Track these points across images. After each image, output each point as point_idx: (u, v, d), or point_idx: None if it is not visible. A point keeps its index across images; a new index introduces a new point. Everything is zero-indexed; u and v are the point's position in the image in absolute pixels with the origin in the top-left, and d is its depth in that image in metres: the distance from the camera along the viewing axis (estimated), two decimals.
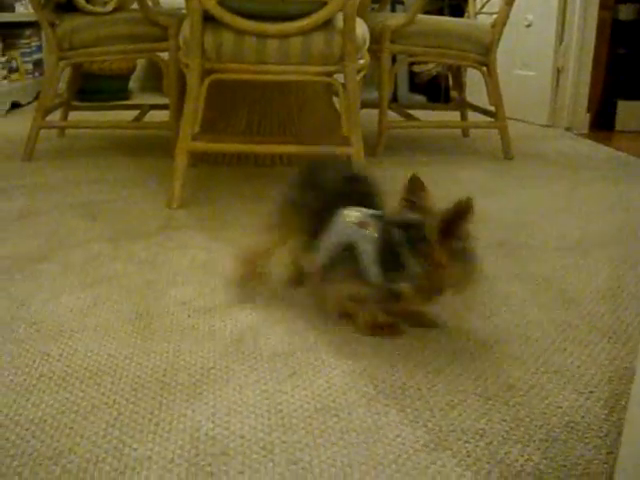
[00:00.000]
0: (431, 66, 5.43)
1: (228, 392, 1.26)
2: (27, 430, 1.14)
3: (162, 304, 1.64)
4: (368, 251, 1.43)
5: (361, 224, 1.46)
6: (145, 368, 1.34)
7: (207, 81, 2.45)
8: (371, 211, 1.49)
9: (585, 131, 4.53)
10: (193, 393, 1.26)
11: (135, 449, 1.10)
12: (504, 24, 3.38)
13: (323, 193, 1.58)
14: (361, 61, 2.54)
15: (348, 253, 1.46)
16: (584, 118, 4.58)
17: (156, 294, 1.69)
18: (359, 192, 1.57)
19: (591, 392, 1.29)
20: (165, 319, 1.56)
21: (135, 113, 3.60)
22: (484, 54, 3.39)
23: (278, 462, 1.07)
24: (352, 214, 1.49)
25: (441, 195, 2.23)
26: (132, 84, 5.48)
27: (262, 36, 2.37)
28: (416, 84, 5.64)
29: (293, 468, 1.05)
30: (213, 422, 1.17)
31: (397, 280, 1.39)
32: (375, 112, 3.42)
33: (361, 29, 2.51)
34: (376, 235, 1.43)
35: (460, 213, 1.33)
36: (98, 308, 1.61)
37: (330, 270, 1.51)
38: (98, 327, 1.51)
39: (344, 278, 1.49)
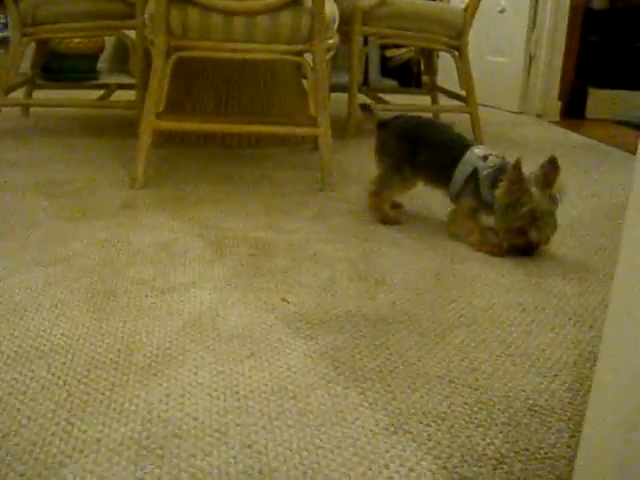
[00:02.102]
0: (403, 51, 5.40)
1: (183, 373, 1.22)
2: None
3: (120, 283, 1.59)
4: (485, 175, 1.93)
5: (484, 157, 1.96)
6: (99, 348, 1.30)
7: (172, 59, 2.40)
8: (490, 150, 2.01)
9: (556, 118, 4.52)
10: (147, 374, 1.22)
11: (84, 431, 1.05)
12: (476, 7, 3.35)
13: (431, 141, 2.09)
14: (330, 41, 2.50)
15: (472, 176, 1.96)
16: (555, 105, 4.58)
17: (114, 273, 1.65)
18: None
19: (555, 375, 1.27)
20: (122, 299, 1.51)
21: (102, 92, 3.53)
22: (456, 38, 3.37)
23: (232, 445, 1.03)
24: (477, 150, 2.00)
25: None
26: (101, 64, 5.40)
27: (228, 13, 2.32)
28: (388, 69, 5.61)
29: (247, 451, 1.02)
30: (166, 404, 1.13)
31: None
32: (346, 96, 3.38)
33: (330, 8, 2.46)
34: (491, 165, 1.93)
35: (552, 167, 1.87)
36: (54, 287, 1.56)
37: (461, 193, 2.00)
38: (52, 306, 1.47)
39: (470, 196, 1.97)
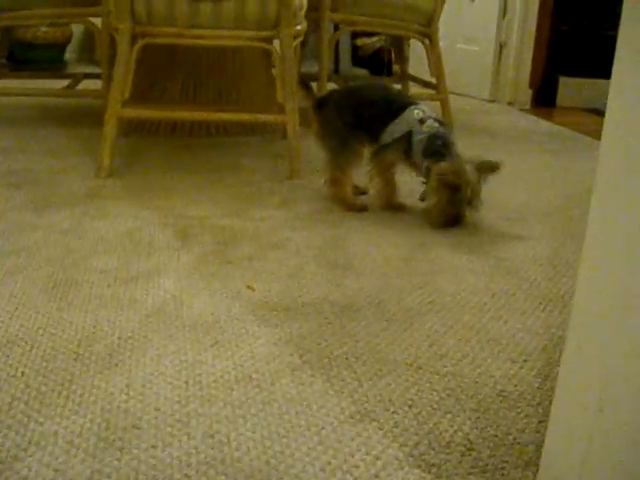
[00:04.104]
0: (374, 39, 5.37)
1: (145, 363, 1.19)
2: None
3: (82, 273, 1.56)
4: (419, 139, 1.94)
5: (421, 120, 1.96)
6: (59, 339, 1.26)
7: (138, 45, 2.35)
8: (430, 112, 2.01)
9: (527, 106, 4.52)
10: (108, 364, 1.18)
11: (41, 423, 1.02)
12: None
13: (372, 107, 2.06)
14: (298, 27, 2.46)
15: (406, 137, 1.97)
16: (526, 93, 4.57)
17: (76, 263, 1.61)
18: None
19: (525, 361, 1.25)
20: (84, 288, 1.48)
21: (68, 82, 3.48)
22: (426, 25, 3.34)
23: (193, 435, 1.00)
24: (416, 111, 1.99)
25: None
26: (68, 54, 5.32)
27: None
28: (359, 58, 5.58)
29: (209, 441, 0.99)
30: (127, 394, 1.10)
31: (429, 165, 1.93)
32: (316, 85, 3.35)
33: None
34: (427, 131, 1.94)
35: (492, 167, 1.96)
36: (14, 277, 1.52)
37: (388, 146, 2.01)
38: (12, 296, 1.43)
39: (396, 152, 2.01)
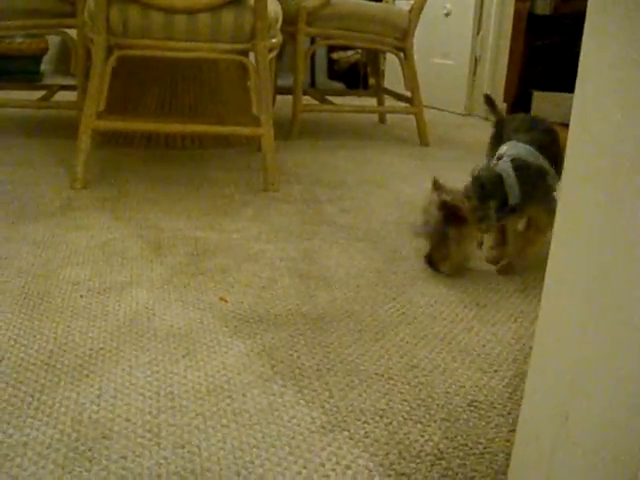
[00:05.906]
0: (350, 53, 5.40)
1: (117, 373, 1.19)
2: None
3: (54, 284, 1.55)
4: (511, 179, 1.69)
5: (499, 157, 1.75)
6: (30, 350, 1.26)
7: (113, 57, 2.35)
8: (520, 151, 1.76)
9: None
10: (79, 375, 1.18)
11: (10, 435, 1.01)
12: (421, 9, 3.36)
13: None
14: (273, 40, 2.47)
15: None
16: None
17: (49, 274, 1.60)
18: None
19: (495, 371, 1.26)
20: (56, 299, 1.47)
21: (44, 93, 3.46)
22: (401, 39, 3.37)
23: (164, 446, 1.00)
24: (505, 147, 1.78)
25: (354, 176, 2.19)
26: (44, 66, 5.29)
27: (169, 11, 2.28)
28: (335, 71, 5.60)
29: (180, 452, 0.99)
30: (98, 405, 1.09)
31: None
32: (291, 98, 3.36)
33: (273, 7, 2.44)
34: (485, 170, 1.72)
35: None
36: None
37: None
38: None
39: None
